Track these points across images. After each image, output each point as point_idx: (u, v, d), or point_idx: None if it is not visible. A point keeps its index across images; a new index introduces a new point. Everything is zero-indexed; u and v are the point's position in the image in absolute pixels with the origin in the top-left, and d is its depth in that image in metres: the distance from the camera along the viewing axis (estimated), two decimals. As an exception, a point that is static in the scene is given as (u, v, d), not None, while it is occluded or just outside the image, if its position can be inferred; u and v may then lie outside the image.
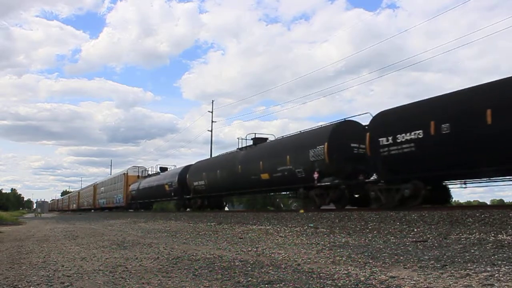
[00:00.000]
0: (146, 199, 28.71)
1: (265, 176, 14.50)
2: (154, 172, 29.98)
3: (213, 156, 29.08)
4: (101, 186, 43.37)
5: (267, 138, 17.14)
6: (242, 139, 17.99)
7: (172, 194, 23.74)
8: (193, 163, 22.81)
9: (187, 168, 22.61)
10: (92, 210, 45.83)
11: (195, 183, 20.61)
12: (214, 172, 18.65)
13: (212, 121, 36.84)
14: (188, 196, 21.73)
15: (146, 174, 31.50)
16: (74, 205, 60.45)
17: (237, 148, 17.78)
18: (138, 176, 32.78)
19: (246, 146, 17.10)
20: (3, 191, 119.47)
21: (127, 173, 34.48)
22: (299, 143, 13.41)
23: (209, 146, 52.44)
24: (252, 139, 16.95)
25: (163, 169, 28.59)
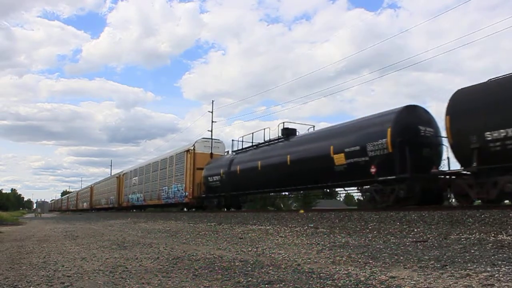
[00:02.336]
0: (255, 187, 15.71)
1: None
2: (267, 141, 15.74)
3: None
4: (133, 176, 29.92)
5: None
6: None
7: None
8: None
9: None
10: (116, 210, 34.40)
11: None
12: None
13: (212, 121, 36.59)
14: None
15: (240, 149, 17.29)
16: (85, 203, 48.82)
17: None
18: (212, 154, 20.42)
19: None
20: (3, 191, 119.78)
21: (193, 149, 20.15)
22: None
23: (210, 146, 51.38)
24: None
25: (289, 130, 15.21)
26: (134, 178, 29.54)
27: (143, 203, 27.01)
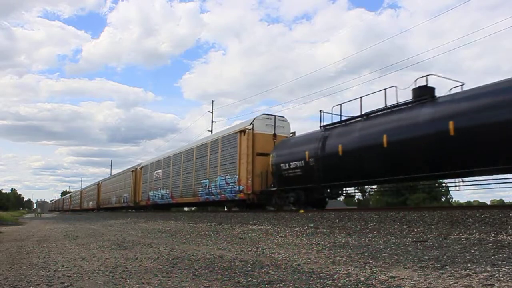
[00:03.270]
0: (375, 174, 10.31)
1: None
2: (394, 105, 10.28)
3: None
4: (155, 168, 23.83)
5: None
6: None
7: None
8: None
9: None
10: (131, 210, 29.52)
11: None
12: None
13: (212, 121, 36.61)
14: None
15: (336, 122, 12.02)
16: (91, 202, 43.69)
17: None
18: (275, 135, 14.81)
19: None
20: (3, 191, 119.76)
21: (252, 129, 14.75)
22: None
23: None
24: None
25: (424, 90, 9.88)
26: (157, 171, 23.41)
27: (169, 201, 21.19)
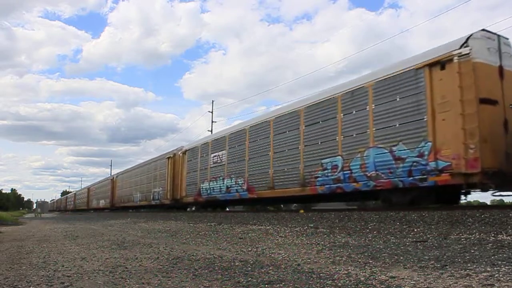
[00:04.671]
0: None
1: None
2: None
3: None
4: (214, 149, 16.40)
5: None
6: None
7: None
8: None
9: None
10: (190, 210, 20.04)
11: None
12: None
13: (212, 121, 36.58)
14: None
15: None
16: (102, 201, 36.97)
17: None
18: (502, 69, 7.88)
19: None
20: (3, 191, 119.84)
21: (468, 55, 7.47)
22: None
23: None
24: None
25: None
26: (216, 153, 16.05)
27: (244, 195, 13.90)
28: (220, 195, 15.49)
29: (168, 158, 21.58)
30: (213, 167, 16.34)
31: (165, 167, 21.83)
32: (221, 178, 15.58)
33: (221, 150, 15.85)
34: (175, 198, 20.10)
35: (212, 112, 37.27)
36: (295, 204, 18.34)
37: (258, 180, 13.21)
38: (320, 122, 10.91)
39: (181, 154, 20.07)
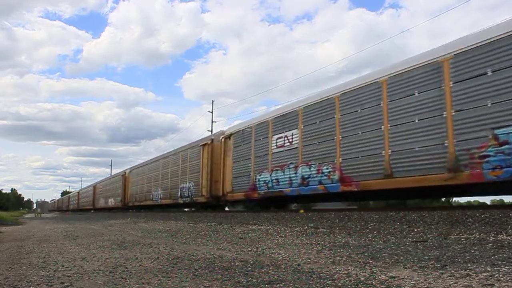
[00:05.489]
0: None
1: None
2: None
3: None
4: (277, 129, 12.04)
5: None
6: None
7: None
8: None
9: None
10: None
11: None
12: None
13: (212, 121, 36.58)
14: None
15: None
16: (111, 200, 32.74)
17: None
18: None
19: None
20: (3, 191, 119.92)
21: None
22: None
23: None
24: None
25: None
26: (279, 135, 12.03)
27: (337, 188, 9.68)
28: (288, 188, 11.41)
29: (204, 145, 16.85)
30: (276, 153, 12.12)
31: (198, 157, 17.27)
32: (287, 167, 11.52)
33: (290, 130, 11.63)
34: (215, 195, 15.68)
35: (212, 112, 37.28)
36: (295, 204, 16.13)
37: (361, 166, 9.21)
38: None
39: (223, 140, 15.33)
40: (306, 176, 10.81)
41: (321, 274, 3.23)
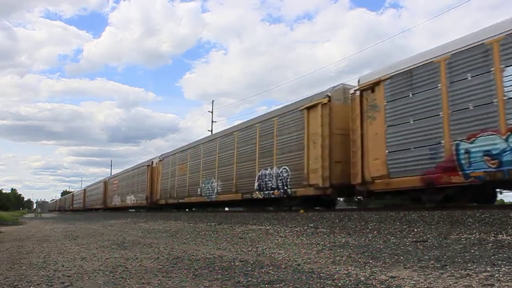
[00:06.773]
0: None
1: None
2: None
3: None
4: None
5: None
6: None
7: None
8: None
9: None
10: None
11: None
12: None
13: (212, 121, 36.44)
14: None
15: None
16: (132, 197, 25.92)
17: None
18: None
19: None
20: (3, 191, 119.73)
21: None
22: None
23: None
24: None
25: None
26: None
27: None
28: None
29: (313, 107, 10.71)
30: None
31: (299, 127, 11.12)
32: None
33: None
34: (339, 183, 9.95)
35: (212, 112, 37.22)
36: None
37: None
38: None
39: (358, 94, 9.37)
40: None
41: (321, 274, 3.23)
